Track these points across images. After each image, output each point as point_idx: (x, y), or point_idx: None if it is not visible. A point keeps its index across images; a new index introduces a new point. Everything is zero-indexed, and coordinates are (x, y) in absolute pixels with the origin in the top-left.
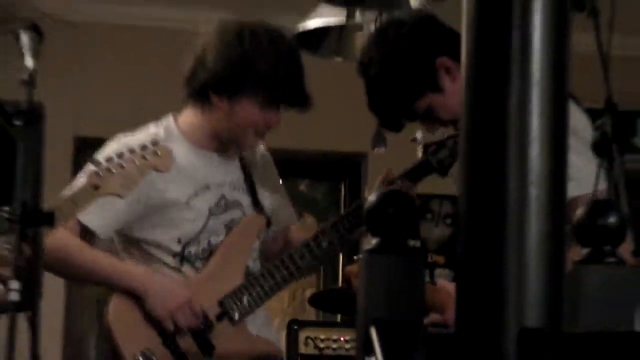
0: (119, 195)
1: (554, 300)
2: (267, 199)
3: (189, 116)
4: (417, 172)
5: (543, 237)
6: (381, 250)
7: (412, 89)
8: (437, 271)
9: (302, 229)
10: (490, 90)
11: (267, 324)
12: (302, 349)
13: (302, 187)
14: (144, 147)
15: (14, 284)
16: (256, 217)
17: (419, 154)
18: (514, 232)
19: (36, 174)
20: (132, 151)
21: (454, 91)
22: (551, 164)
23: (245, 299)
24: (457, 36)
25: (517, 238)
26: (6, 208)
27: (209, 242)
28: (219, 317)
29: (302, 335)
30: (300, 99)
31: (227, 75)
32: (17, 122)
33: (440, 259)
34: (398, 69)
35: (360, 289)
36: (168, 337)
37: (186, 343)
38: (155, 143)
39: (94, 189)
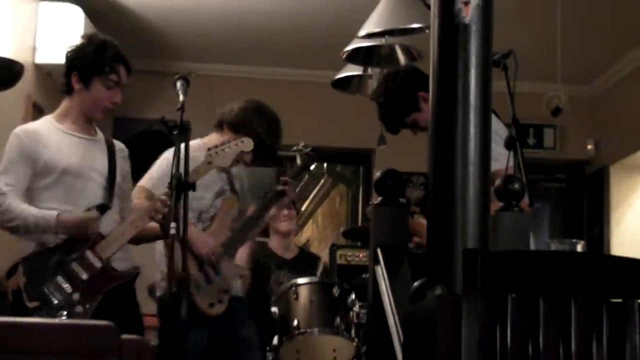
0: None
1: (483, 233)
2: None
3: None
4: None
5: (477, 195)
6: (383, 204)
7: (403, 111)
8: (415, 216)
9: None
10: (446, 109)
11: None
12: (338, 261)
13: (338, 167)
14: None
15: (173, 224)
16: (229, 200)
17: None
18: (460, 193)
19: (185, 160)
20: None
21: (427, 110)
22: (481, 152)
23: (233, 245)
24: (427, 78)
25: (462, 196)
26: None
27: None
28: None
29: (339, 253)
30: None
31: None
32: (175, 132)
33: (417, 209)
34: (394, 100)
35: (371, 226)
36: (202, 265)
37: (208, 269)
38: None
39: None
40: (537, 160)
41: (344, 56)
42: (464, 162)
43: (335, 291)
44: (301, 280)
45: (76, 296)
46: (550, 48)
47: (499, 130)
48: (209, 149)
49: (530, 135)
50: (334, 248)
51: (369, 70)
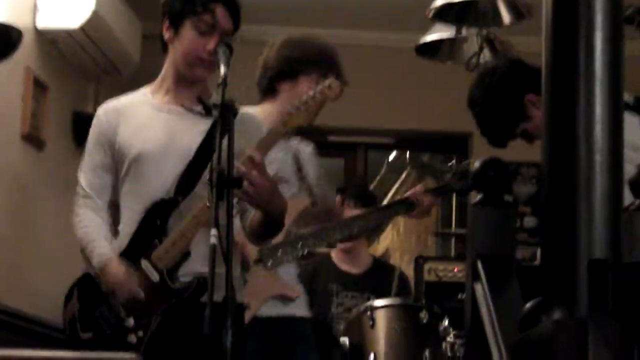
0: None
1: (614, 239)
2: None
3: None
4: (441, 190)
5: (605, 192)
6: (484, 202)
7: (506, 123)
8: (526, 218)
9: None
10: (564, 83)
11: (295, 273)
12: (426, 277)
13: (424, 157)
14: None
15: (214, 231)
16: (302, 200)
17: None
18: (584, 188)
19: (229, 150)
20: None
21: (538, 117)
22: (610, 138)
23: (279, 254)
24: (538, 72)
25: (586, 193)
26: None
27: None
28: (257, 262)
29: (426, 267)
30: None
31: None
32: (215, 113)
33: (527, 210)
34: (494, 110)
35: (468, 232)
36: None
37: None
38: None
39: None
40: None
41: (431, 15)
42: (589, 148)
43: (423, 316)
44: (379, 303)
45: (130, 322)
46: None
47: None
48: (290, 105)
49: None
50: (420, 261)
51: (464, 32)
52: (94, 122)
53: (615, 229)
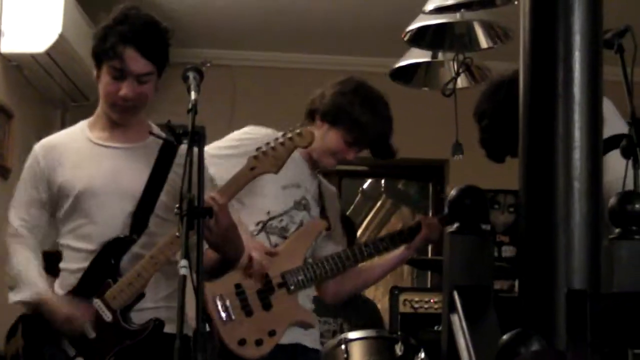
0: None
1: (593, 269)
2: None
3: None
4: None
5: (584, 221)
6: (461, 231)
7: (513, 137)
8: (503, 247)
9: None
10: (543, 106)
11: (310, 301)
12: (401, 309)
13: (400, 185)
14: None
15: (184, 262)
16: (322, 222)
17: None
18: (562, 217)
19: (199, 179)
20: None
21: None
22: (589, 165)
23: (300, 277)
24: None
25: (565, 221)
26: (177, 205)
27: (286, 225)
28: (280, 285)
29: (402, 298)
30: (382, 151)
31: (333, 110)
32: (184, 140)
33: (505, 239)
34: (503, 122)
35: (444, 262)
36: (240, 290)
37: (252, 298)
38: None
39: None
40: None
41: (407, 38)
42: (567, 176)
43: (399, 349)
44: (353, 335)
45: None
46: None
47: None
48: (257, 149)
49: None
50: (395, 292)
51: (440, 56)
52: (30, 159)
53: (595, 259)
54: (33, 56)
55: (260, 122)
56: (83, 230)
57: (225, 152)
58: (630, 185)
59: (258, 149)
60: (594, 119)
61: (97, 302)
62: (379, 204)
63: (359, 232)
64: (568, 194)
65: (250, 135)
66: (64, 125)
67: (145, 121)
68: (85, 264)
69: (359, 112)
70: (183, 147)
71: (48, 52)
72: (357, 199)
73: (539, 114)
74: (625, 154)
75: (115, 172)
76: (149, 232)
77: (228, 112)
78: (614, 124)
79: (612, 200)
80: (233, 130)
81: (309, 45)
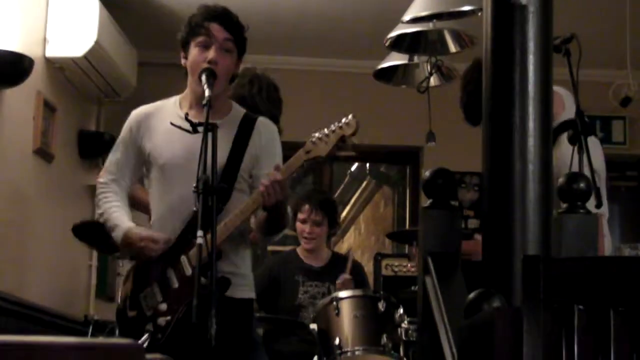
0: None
1: (545, 238)
2: None
3: None
4: None
5: (537, 198)
6: (433, 207)
7: None
8: (469, 220)
9: None
10: (502, 101)
11: None
12: (384, 272)
13: (382, 168)
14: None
15: (200, 232)
16: None
17: None
18: (519, 194)
19: (213, 163)
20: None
21: None
22: (542, 150)
23: None
24: None
25: (521, 198)
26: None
27: None
28: None
29: (384, 263)
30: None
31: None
32: (200, 130)
33: (471, 213)
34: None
35: (419, 233)
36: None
37: None
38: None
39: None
40: (605, 157)
41: (387, 43)
42: (523, 160)
43: (381, 305)
44: (343, 294)
45: (163, 307)
46: (619, 31)
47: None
48: (313, 135)
49: (597, 128)
50: (378, 258)
51: (415, 59)
52: (127, 124)
53: (546, 230)
54: (73, 60)
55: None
56: (165, 195)
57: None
58: (575, 167)
59: (314, 134)
60: (545, 112)
61: (183, 258)
62: (364, 184)
63: (347, 207)
64: (523, 175)
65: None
66: (99, 118)
67: (227, 100)
68: (163, 223)
69: (257, 99)
70: (259, 122)
71: (86, 56)
72: (346, 180)
73: (499, 107)
74: (572, 141)
75: (195, 146)
76: (232, 200)
77: None
78: (572, 112)
79: (561, 180)
80: None
81: (302, 49)
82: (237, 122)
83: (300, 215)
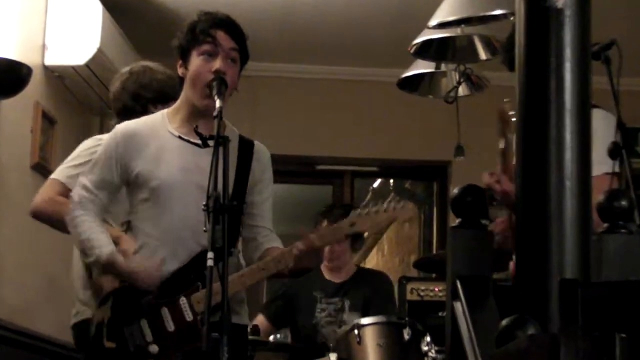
0: None
1: (583, 259)
2: None
3: None
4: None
5: (574, 216)
6: (462, 226)
7: None
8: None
9: None
10: (536, 112)
11: None
12: (409, 297)
13: (407, 184)
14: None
15: (210, 254)
16: None
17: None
18: (555, 212)
19: (224, 179)
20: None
21: None
22: (579, 165)
23: None
24: None
25: (557, 216)
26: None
27: None
28: None
29: (409, 287)
30: None
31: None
32: (210, 144)
33: None
34: None
35: (448, 254)
36: None
37: None
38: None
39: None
40: None
41: (412, 50)
42: (559, 174)
43: (407, 333)
44: (365, 321)
45: (154, 348)
46: None
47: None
48: (357, 209)
49: (639, 140)
50: (403, 281)
51: (443, 67)
52: (109, 142)
53: (585, 251)
54: (74, 68)
55: (279, 129)
56: (158, 219)
57: (80, 169)
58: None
59: (364, 207)
60: (583, 123)
61: (183, 300)
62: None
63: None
64: (560, 191)
65: (100, 142)
66: (102, 130)
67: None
68: (160, 253)
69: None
70: (257, 147)
71: (87, 64)
72: (368, 197)
73: (534, 119)
74: (612, 156)
75: (196, 166)
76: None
77: (249, 120)
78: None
79: (601, 197)
80: (254, 134)
81: (324, 57)
82: (235, 142)
83: None
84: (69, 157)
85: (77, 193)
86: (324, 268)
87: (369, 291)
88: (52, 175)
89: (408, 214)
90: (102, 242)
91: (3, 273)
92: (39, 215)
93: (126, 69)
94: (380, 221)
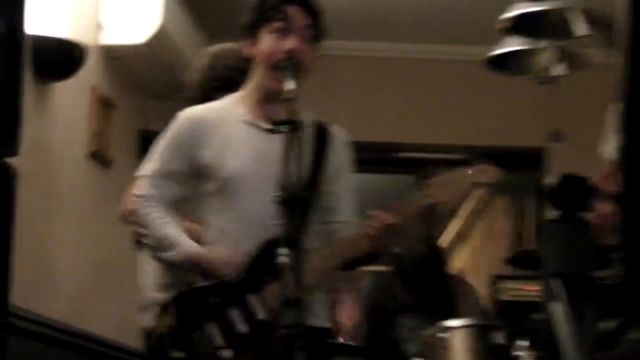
0: None
1: None
2: None
3: None
4: None
5: None
6: (561, 220)
7: None
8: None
9: None
10: None
11: None
12: (501, 297)
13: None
14: None
15: (283, 250)
16: None
17: None
18: None
19: (298, 167)
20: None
21: None
22: None
23: None
24: None
25: None
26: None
27: None
28: None
29: (501, 286)
30: None
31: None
32: (282, 130)
33: None
34: None
35: (544, 251)
36: None
37: None
38: None
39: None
40: None
41: (503, 26)
42: None
43: (500, 337)
44: (452, 323)
45: (227, 354)
46: None
47: None
48: (431, 180)
49: None
50: (495, 280)
51: (536, 44)
52: (176, 128)
53: None
54: (133, 48)
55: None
56: (230, 211)
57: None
58: None
59: (438, 176)
60: None
61: (252, 299)
62: (476, 193)
63: (457, 220)
64: None
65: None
66: (163, 116)
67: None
68: (235, 246)
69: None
70: (335, 130)
71: (148, 43)
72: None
73: None
74: None
75: (268, 154)
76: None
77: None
78: None
79: None
80: (329, 119)
81: (406, 34)
82: (310, 127)
83: None
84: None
85: (143, 187)
86: None
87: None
88: (140, 172)
89: (488, 177)
90: (179, 238)
91: (56, 272)
92: (125, 221)
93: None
94: (458, 189)
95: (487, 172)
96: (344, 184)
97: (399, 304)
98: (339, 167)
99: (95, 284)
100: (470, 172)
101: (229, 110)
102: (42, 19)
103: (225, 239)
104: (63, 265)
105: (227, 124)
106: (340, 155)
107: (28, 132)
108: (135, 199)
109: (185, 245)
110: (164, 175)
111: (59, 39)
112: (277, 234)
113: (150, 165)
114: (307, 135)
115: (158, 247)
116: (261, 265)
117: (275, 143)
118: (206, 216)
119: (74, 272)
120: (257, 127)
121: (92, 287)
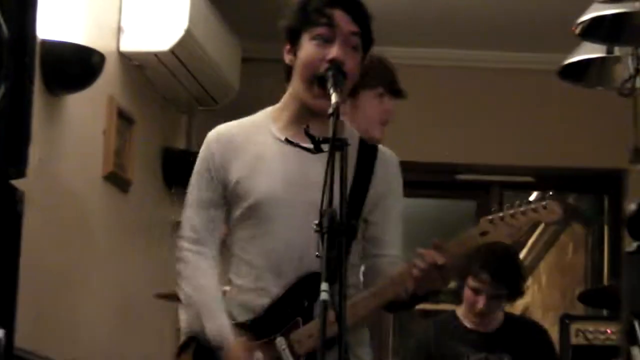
0: None
1: None
2: None
3: None
4: None
5: None
6: None
7: None
8: None
9: None
10: None
11: None
12: (573, 340)
13: (571, 199)
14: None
15: (324, 286)
16: None
17: None
18: None
19: (341, 192)
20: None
21: None
22: None
23: None
24: None
25: None
26: (316, 221)
27: None
28: None
29: (573, 327)
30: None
31: None
32: (324, 148)
33: None
34: None
35: (622, 287)
36: None
37: None
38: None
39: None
40: None
41: (578, 30)
42: None
43: None
44: None
45: None
46: None
47: None
48: (493, 213)
49: None
50: (566, 321)
51: (616, 51)
52: (204, 150)
53: None
54: (156, 55)
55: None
56: (258, 242)
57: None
58: None
59: (496, 211)
60: None
61: (280, 342)
62: None
63: (524, 251)
64: None
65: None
66: (189, 131)
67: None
68: (260, 284)
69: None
70: (382, 151)
71: (173, 50)
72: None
73: None
74: None
75: (306, 177)
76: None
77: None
78: None
79: None
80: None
81: (465, 41)
82: (355, 146)
83: (474, 283)
84: None
85: (187, 227)
86: (463, 315)
87: (524, 344)
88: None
89: (553, 216)
90: (216, 320)
91: (76, 308)
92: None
93: None
94: (517, 227)
95: (554, 212)
96: (392, 212)
97: (469, 347)
98: (387, 192)
99: (119, 325)
100: (532, 207)
101: (262, 127)
102: (54, 22)
103: (255, 273)
104: (79, 302)
105: (258, 141)
106: (388, 179)
107: (37, 150)
108: (178, 239)
109: (215, 325)
110: (203, 203)
111: (72, 45)
112: (316, 267)
113: (189, 196)
114: (351, 155)
115: (188, 309)
116: (292, 305)
117: (314, 164)
118: (235, 246)
119: (94, 307)
120: (294, 144)
121: (118, 331)
